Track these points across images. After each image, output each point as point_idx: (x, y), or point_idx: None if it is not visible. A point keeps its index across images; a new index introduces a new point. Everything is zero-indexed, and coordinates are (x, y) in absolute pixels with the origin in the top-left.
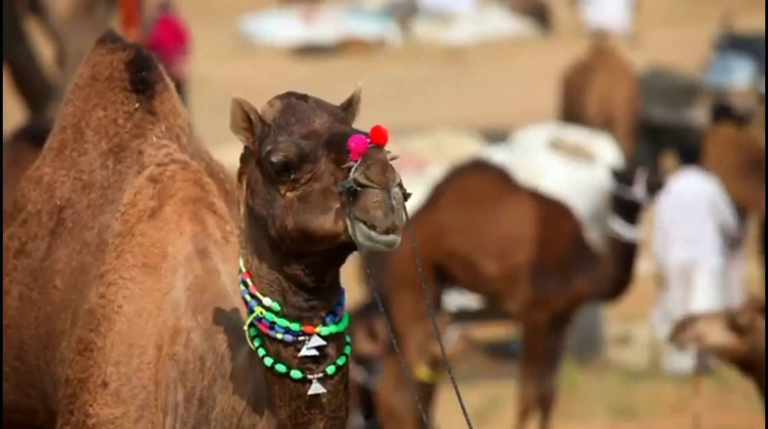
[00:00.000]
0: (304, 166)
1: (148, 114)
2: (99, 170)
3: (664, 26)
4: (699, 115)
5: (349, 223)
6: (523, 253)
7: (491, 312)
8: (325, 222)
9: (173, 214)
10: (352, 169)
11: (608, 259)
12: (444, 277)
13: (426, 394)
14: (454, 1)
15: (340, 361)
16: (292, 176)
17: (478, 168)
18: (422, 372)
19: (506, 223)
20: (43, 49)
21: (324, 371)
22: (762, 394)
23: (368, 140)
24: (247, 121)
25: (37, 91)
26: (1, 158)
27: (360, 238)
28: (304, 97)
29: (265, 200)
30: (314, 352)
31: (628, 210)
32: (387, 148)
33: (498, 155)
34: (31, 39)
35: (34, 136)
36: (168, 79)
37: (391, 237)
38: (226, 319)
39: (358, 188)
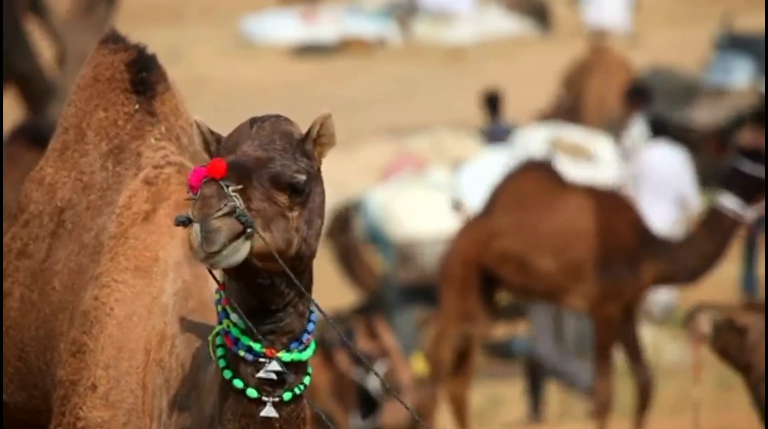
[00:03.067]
0: None
1: (147, 115)
2: (99, 172)
3: (664, 26)
4: (699, 114)
5: None
6: (583, 247)
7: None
8: None
9: (166, 217)
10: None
11: (701, 235)
12: (493, 280)
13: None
14: (454, 1)
15: (298, 390)
16: None
17: (528, 168)
18: (423, 369)
19: (562, 219)
20: (43, 49)
21: (280, 396)
22: (751, 392)
23: (204, 173)
24: (205, 142)
25: (37, 91)
26: (1, 158)
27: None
28: (257, 120)
29: None
30: (272, 376)
31: (747, 188)
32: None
33: (498, 155)
34: (32, 39)
35: (31, 135)
36: (170, 80)
37: (215, 259)
38: (205, 329)
39: (188, 221)
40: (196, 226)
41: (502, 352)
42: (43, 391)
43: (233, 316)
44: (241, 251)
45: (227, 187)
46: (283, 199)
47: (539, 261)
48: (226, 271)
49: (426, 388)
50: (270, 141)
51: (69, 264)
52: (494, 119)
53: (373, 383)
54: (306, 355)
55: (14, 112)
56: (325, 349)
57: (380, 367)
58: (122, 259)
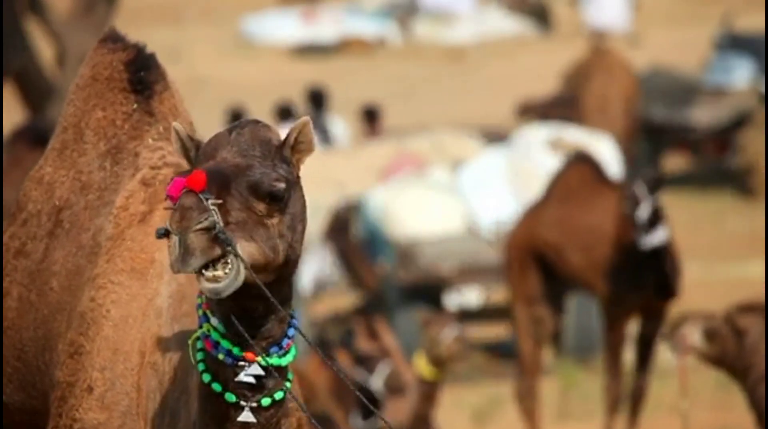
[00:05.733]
0: None
1: (146, 115)
2: (97, 171)
3: (664, 26)
4: (699, 114)
5: None
6: (605, 246)
7: (491, 312)
8: None
9: (162, 219)
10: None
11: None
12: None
13: (429, 392)
14: (454, 1)
15: (278, 396)
16: None
17: (578, 161)
18: (425, 370)
19: (593, 216)
20: (43, 49)
21: (258, 401)
22: (748, 394)
23: (184, 184)
24: (184, 148)
25: (37, 91)
26: (2, 158)
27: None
28: (236, 127)
29: None
30: (251, 380)
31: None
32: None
33: (498, 155)
34: (31, 39)
35: (34, 135)
36: (169, 79)
37: (209, 286)
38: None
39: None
40: (175, 239)
41: (502, 352)
42: (41, 392)
43: (213, 320)
44: (240, 276)
45: (206, 199)
46: (261, 207)
47: (571, 255)
48: None
49: (427, 387)
50: (249, 147)
51: (67, 265)
52: (318, 115)
53: (375, 383)
54: (286, 360)
55: (14, 112)
56: (325, 349)
57: (382, 368)
58: (118, 260)
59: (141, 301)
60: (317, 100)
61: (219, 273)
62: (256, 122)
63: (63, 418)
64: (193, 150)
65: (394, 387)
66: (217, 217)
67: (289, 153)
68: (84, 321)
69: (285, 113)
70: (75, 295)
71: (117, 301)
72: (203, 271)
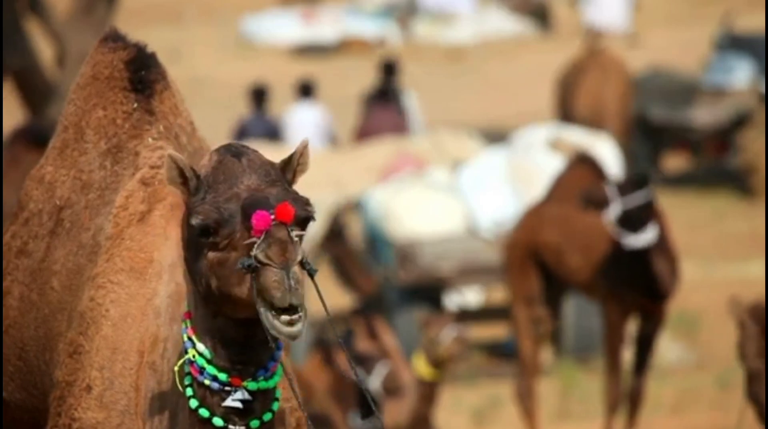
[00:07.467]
0: (221, 232)
1: (146, 114)
2: (98, 171)
3: (664, 26)
4: (699, 114)
5: (256, 301)
6: (602, 247)
7: (491, 312)
8: (241, 291)
9: (161, 218)
10: (255, 246)
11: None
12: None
13: (428, 392)
14: (454, 1)
15: (266, 417)
16: (211, 239)
17: (580, 161)
18: (424, 370)
19: (591, 217)
20: (43, 49)
21: (247, 425)
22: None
23: (272, 217)
24: (182, 176)
25: (37, 91)
26: (1, 158)
27: (266, 325)
28: (239, 154)
29: (194, 256)
30: (238, 405)
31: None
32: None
33: (498, 155)
34: (31, 39)
35: (32, 136)
36: (170, 78)
37: (288, 329)
38: None
39: (258, 266)
40: (280, 273)
41: (502, 352)
42: (42, 391)
43: (199, 346)
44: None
45: (291, 231)
46: (298, 233)
47: (570, 256)
48: (223, 309)
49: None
50: (266, 173)
51: (67, 264)
52: (258, 111)
53: (372, 383)
54: (272, 382)
55: (14, 112)
56: (324, 349)
57: (379, 369)
58: (118, 260)
59: (140, 300)
60: (390, 70)
61: (295, 316)
62: (244, 146)
63: (62, 417)
64: (194, 180)
65: (392, 387)
66: (300, 248)
67: (291, 175)
68: (83, 320)
69: None
70: (75, 294)
71: (116, 300)
72: (281, 314)
